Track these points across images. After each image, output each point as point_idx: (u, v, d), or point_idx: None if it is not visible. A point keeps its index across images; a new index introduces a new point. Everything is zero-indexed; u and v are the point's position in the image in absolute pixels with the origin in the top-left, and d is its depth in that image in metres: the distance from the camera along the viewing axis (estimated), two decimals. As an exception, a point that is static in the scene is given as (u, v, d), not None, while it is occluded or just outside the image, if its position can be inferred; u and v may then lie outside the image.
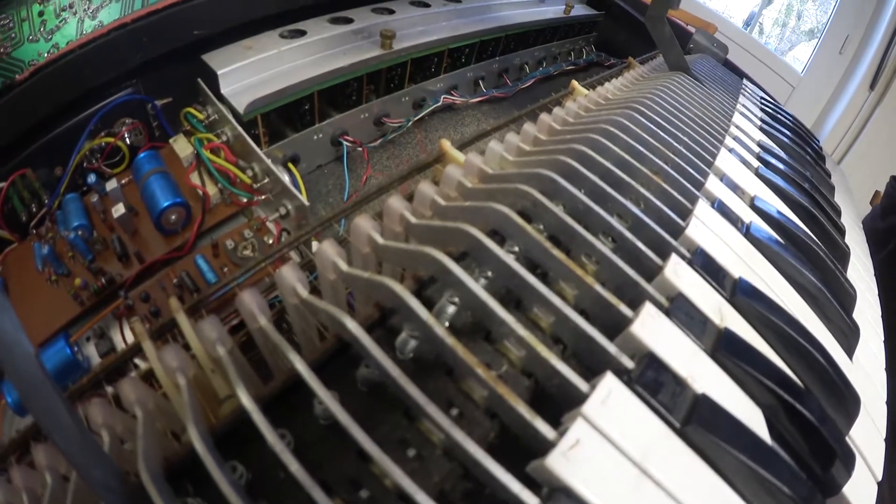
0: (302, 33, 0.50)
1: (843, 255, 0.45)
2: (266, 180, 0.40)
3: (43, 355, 0.36)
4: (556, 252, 0.22)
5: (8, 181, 0.46)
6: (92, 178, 0.49)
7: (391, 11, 0.56)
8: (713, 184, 0.38)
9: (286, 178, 0.40)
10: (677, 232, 0.29)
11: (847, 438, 0.29)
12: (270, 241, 0.42)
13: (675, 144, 0.39)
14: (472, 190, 0.27)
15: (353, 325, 0.19)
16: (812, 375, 0.29)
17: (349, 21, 0.53)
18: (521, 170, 0.29)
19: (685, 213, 0.31)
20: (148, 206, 0.44)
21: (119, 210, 0.44)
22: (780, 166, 0.50)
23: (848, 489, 0.25)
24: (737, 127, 0.54)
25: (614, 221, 0.26)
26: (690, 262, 0.27)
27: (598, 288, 0.22)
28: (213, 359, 0.23)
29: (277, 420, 0.18)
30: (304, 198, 0.38)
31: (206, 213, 0.43)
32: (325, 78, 0.46)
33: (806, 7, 2.16)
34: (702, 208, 0.33)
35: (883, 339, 0.45)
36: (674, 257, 0.26)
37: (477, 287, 0.20)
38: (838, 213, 0.53)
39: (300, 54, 0.48)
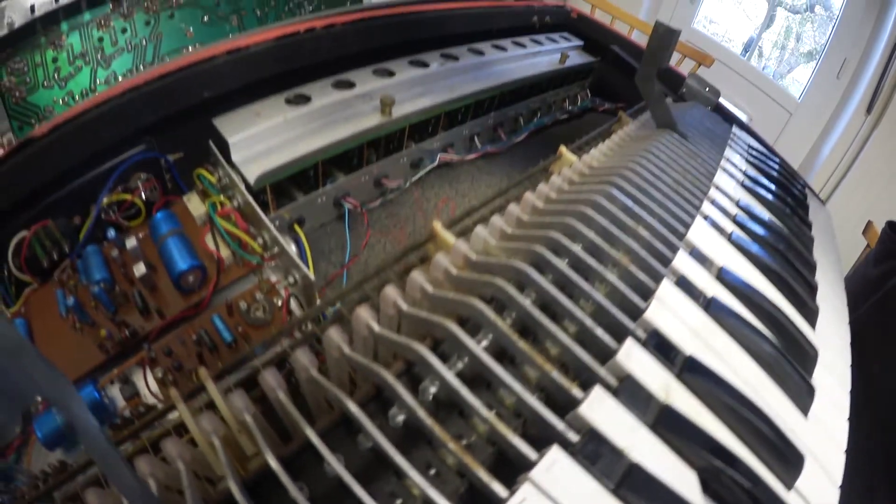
0: (307, 99, 0.57)
1: (810, 314, 0.52)
2: (275, 248, 0.48)
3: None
4: (521, 343, 0.29)
5: (31, 231, 0.53)
6: (112, 234, 0.56)
7: (391, 73, 0.63)
8: (681, 259, 0.45)
9: (293, 249, 0.47)
10: (637, 314, 0.36)
11: (793, 492, 0.35)
12: (280, 303, 0.49)
13: (650, 220, 0.46)
14: (455, 278, 0.34)
15: (353, 407, 0.26)
16: (754, 440, 0.35)
17: (351, 85, 0.60)
18: (500, 258, 0.36)
19: (648, 294, 0.38)
20: (166, 266, 0.51)
21: (140, 269, 0.51)
22: (756, 229, 0.57)
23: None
24: (717, 188, 0.61)
25: (577, 311, 0.33)
26: (645, 344, 0.34)
27: (555, 374, 0.29)
28: (240, 422, 0.30)
29: (296, 474, 0.25)
30: (311, 271, 0.45)
31: (220, 273, 0.50)
32: (329, 149, 0.53)
33: (805, 29, 2.25)
34: (665, 288, 0.39)
35: (850, 388, 0.51)
36: (629, 340, 0.33)
37: (450, 377, 0.27)
38: (813, 269, 0.60)
39: (306, 122, 0.55)
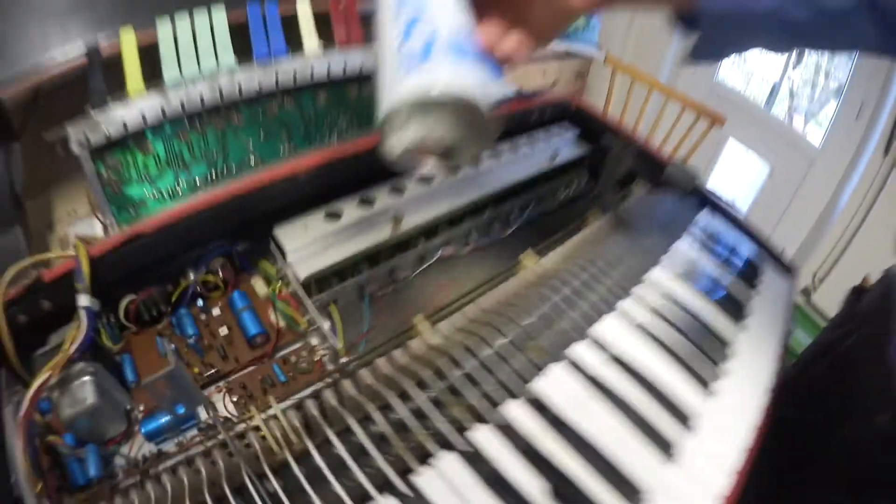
0: (339, 216, 0.85)
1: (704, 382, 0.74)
2: (315, 325, 0.76)
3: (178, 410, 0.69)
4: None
5: (140, 296, 0.80)
6: (200, 303, 0.85)
7: (402, 191, 0.91)
8: (576, 348, 0.70)
9: (326, 326, 0.76)
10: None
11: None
12: (316, 359, 0.77)
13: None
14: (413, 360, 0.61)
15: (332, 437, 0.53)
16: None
17: (372, 203, 0.88)
18: (442, 350, 0.63)
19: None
20: (241, 329, 0.80)
21: (224, 331, 0.80)
22: (673, 313, 0.80)
23: None
24: (647, 282, 0.85)
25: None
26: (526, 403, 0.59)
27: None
28: (291, 427, 0.57)
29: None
30: (340, 339, 0.74)
31: (279, 337, 0.79)
32: (356, 255, 0.82)
33: (834, 65, 2.39)
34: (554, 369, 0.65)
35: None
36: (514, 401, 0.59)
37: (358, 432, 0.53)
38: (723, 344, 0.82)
39: (339, 234, 0.83)
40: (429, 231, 0.92)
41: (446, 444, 0.59)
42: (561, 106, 1.27)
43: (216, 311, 0.83)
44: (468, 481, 0.56)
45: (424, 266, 0.90)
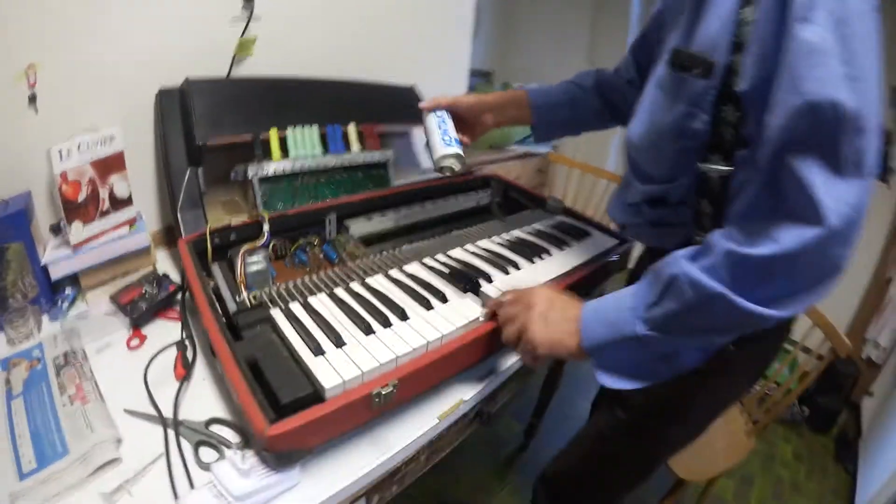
0: (370, 219, 1.87)
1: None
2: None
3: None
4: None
5: (277, 242, 1.79)
6: (305, 251, 1.83)
7: (396, 209, 1.94)
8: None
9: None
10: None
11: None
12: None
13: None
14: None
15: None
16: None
17: (384, 214, 1.90)
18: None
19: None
20: (326, 256, 1.77)
21: (320, 257, 1.77)
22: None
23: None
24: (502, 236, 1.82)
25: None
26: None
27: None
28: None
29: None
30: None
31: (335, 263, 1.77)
32: (375, 233, 1.82)
33: None
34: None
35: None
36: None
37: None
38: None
39: (375, 224, 1.85)
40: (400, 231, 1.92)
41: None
42: (487, 178, 2.31)
43: (312, 253, 1.79)
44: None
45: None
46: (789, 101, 0.73)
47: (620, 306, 0.94)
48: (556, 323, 1.00)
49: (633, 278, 1.39)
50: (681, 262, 0.87)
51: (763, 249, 0.76)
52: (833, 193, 0.71)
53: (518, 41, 4.92)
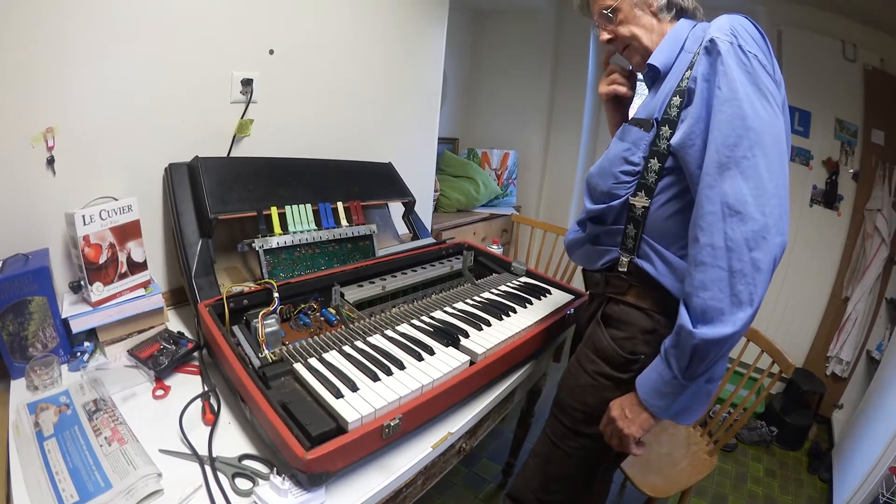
0: (362, 286, 2.17)
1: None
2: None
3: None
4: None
5: (284, 306, 2.07)
6: (307, 313, 2.11)
7: (382, 279, 2.24)
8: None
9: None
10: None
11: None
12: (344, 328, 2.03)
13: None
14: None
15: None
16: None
17: (371, 282, 2.21)
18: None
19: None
20: (326, 319, 2.05)
21: (319, 320, 2.05)
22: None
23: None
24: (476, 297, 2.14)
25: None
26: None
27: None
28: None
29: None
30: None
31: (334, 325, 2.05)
32: (364, 300, 2.12)
33: None
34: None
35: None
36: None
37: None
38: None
39: (364, 292, 2.14)
40: (386, 297, 2.23)
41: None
42: (459, 245, 2.64)
43: (313, 316, 2.06)
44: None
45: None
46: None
47: (664, 378, 1.26)
48: (634, 415, 1.32)
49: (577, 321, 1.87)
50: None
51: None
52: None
53: (482, 108, 5.29)
